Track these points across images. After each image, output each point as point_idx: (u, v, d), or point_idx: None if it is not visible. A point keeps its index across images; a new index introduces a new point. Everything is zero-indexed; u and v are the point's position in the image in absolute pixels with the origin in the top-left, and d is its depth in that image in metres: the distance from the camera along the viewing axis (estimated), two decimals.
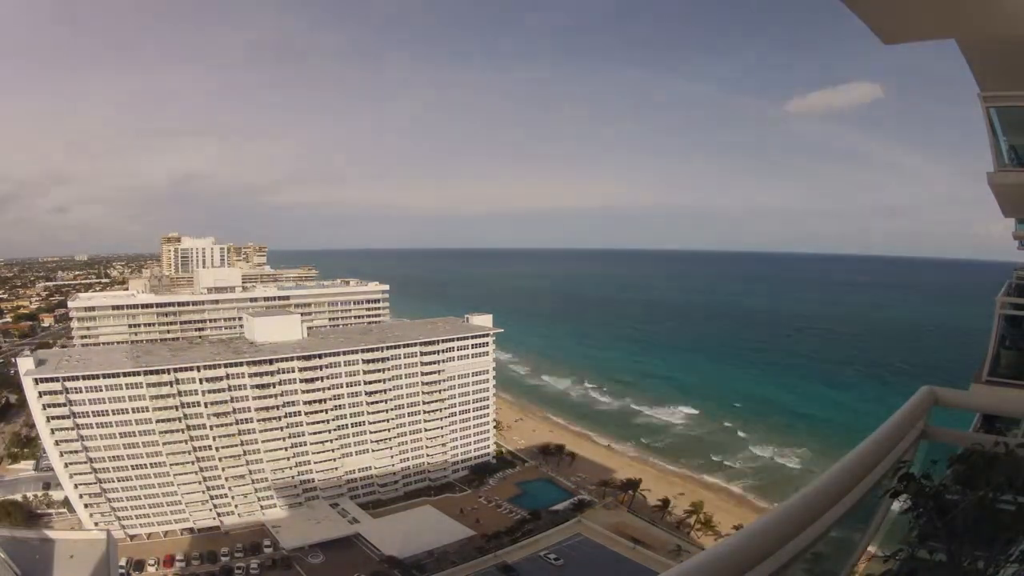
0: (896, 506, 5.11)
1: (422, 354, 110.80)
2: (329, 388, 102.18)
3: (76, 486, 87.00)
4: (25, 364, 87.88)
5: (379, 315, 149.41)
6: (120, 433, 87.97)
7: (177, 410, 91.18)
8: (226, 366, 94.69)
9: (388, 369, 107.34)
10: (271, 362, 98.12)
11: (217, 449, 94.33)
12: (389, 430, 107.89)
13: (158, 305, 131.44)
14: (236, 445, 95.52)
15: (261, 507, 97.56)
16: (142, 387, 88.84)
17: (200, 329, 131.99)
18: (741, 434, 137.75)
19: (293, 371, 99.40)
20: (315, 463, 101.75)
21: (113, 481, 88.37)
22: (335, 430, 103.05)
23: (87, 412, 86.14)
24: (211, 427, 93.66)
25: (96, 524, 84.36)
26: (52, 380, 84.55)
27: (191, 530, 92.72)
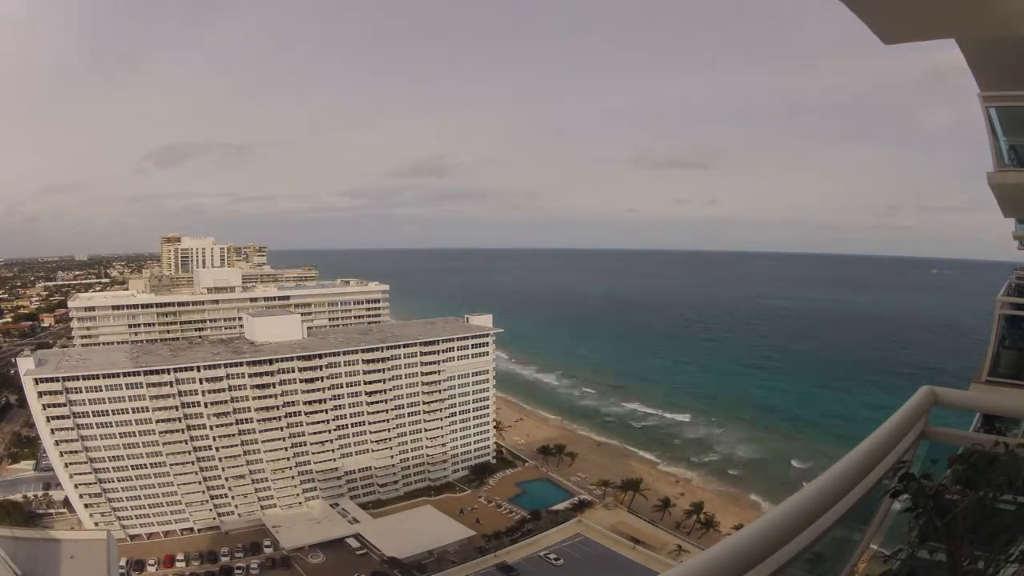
0: (896, 506, 5.12)
1: (422, 354, 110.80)
2: (329, 388, 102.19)
3: (76, 486, 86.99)
4: (25, 364, 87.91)
5: (379, 315, 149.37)
6: (120, 433, 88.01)
7: (177, 410, 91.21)
8: (226, 366, 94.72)
9: (388, 369, 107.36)
10: (271, 362, 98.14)
11: (217, 449, 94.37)
12: (389, 430, 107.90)
13: (158, 305, 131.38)
14: (236, 445, 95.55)
15: (261, 507, 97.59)
16: (142, 387, 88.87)
17: (200, 329, 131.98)
18: (742, 435, 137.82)
19: (293, 371, 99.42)
20: (315, 463, 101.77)
21: (113, 481, 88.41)
22: (335, 430, 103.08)
23: (87, 412, 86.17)
24: (211, 427, 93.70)
25: (96, 524, 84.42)
26: (52, 380, 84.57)
27: (191, 530, 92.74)
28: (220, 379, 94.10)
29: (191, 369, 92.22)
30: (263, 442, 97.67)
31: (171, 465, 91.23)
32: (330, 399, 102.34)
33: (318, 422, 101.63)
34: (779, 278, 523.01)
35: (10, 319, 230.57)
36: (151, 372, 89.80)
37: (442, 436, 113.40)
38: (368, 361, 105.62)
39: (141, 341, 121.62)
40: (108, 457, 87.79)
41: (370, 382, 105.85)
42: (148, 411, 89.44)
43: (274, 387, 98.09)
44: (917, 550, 4.30)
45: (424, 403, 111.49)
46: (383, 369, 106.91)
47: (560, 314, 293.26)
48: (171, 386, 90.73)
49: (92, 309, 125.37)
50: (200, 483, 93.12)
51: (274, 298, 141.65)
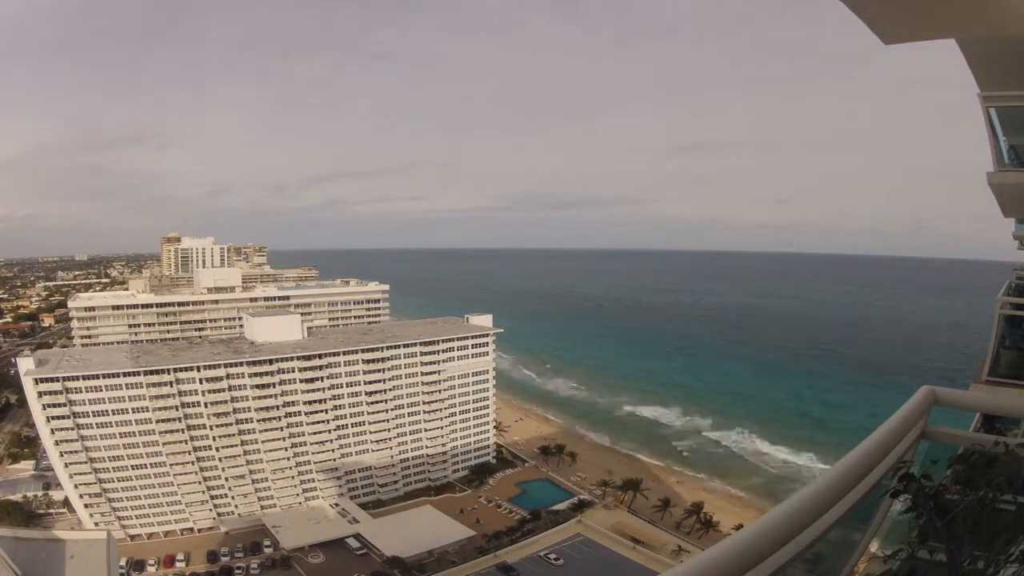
0: (896, 506, 5.12)
1: (422, 354, 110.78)
2: (329, 388, 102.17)
3: (76, 486, 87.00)
4: (25, 364, 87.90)
5: (379, 315, 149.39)
6: (120, 433, 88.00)
7: (177, 410, 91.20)
8: (226, 366, 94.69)
9: (388, 369, 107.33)
10: (271, 362, 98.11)
11: (217, 449, 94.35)
12: (389, 430, 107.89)
13: (158, 305, 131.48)
14: (236, 445, 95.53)
15: (261, 507, 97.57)
16: (142, 387, 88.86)
17: (200, 329, 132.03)
18: (741, 434, 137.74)
19: (293, 371, 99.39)
20: (315, 463, 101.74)
21: (113, 481, 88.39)
22: (335, 430, 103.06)
23: (87, 412, 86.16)
24: (211, 427, 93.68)
25: (96, 524, 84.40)
26: (52, 380, 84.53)
27: (191, 530, 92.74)
28: (220, 379, 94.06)
29: (191, 369, 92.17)
30: (263, 442, 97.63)
31: (171, 465, 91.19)
32: (330, 399, 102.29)
33: (318, 422, 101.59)
34: None
35: (10, 319, 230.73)
36: (151, 372, 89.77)
37: (442, 436, 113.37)
38: (368, 361, 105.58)
39: (141, 341, 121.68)
40: (108, 457, 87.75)
41: (370, 382, 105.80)
42: (148, 411, 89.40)
43: (274, 387, 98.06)
44: (917, 550, 4.30)
45: (424, 403, 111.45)
46: (383, 369, 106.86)
47: None
48: (171, 386, 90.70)
49: (92, 309, 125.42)
50: (200, 483, 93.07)
51: (274, 298, 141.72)
